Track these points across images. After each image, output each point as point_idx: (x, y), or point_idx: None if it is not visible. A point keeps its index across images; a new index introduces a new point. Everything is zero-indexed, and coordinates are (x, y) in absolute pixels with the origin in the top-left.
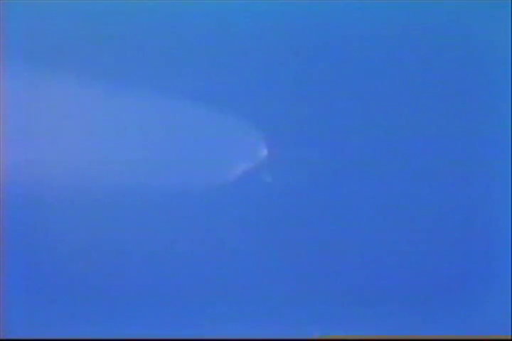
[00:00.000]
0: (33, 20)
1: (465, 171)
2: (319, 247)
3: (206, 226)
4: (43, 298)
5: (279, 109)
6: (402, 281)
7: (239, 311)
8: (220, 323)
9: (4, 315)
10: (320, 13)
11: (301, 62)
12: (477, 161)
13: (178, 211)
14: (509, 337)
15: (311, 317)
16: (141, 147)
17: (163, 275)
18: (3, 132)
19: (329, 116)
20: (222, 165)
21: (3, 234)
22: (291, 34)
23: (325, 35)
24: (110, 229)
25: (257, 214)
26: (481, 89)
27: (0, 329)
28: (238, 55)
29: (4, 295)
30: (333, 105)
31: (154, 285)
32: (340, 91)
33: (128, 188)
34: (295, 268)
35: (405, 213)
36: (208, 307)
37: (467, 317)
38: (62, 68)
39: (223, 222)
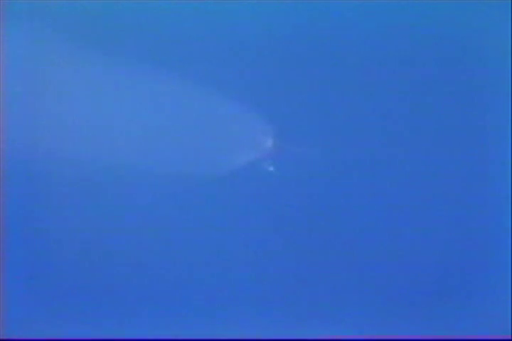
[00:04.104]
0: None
1: (465, 171)
2: (320, 244)
3: (208, 216)
4: (43, 298)
5: (286, 102)
6: (402, 282)
7: (238, 309)
8: (219, 322)
9: (4, 315)
10: (325, 14)
11: (308, 58)
12: (477, 161)
13: (181, 200)
14: (509, 337)
15: (310, 317)
16: (146, 136)
17: (164, 271)
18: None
19: (335, 110)
20: (228, 156)
21: (3, 233)
22: (299, 30)
23: (330, 33)
24: (113, 219)
25: (259, 205)
26: (481, 88)
27: (0, 329)
28: (247, 49)
29: (4, 295)
30: (338, 100)
31: (154, 282)
32: (345, 88)
33: (132, 176)
34: (296, 265)
35: (406, 214)
36: (207, 305)
37: (467, 317)
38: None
39: (225, 213)
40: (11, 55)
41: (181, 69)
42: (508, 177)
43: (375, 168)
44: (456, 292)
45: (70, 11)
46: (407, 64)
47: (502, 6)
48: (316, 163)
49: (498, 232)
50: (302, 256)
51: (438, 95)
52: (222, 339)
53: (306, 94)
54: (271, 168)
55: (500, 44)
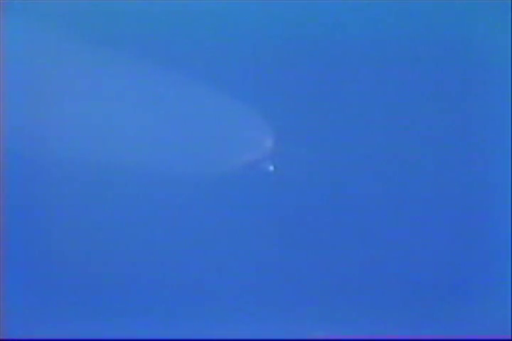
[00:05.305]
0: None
1: (466, 171)
2: (320, 244)
3: (208, 216)
4: (43, 298)
5: (286, 103)
6: (403, 282)
7: (238, 309)
8: (217, 322)
9: (4, 315)
10: (326, 15)
11: (309, 58)
12: (477, 161)
13: (180, 200)
14: (509, 337)
15: (311, 317)
16: (145, 136)
17: (164, 271)
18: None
19: (335, 111)
20: (227, 156)
21: (3, 233)
22: (300, 30)
23: (331, 34)
24: (111, 220)
25: (259, 205)
26: (481, 89)
27: (0, 330)
28: (248, 50)
29: (4, 295)
30: (338, 101)
31: (155, 283)
32: (345, 89)
33: (131, 176)
34: (296, 265)
35: (406, 214)
36: (207, 304)
37: (467, 317)
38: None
39: (224, 213)
40: (12, 54)
41: (181, 69)
42: (508, 177)
43: (374, 169)
44: (456, 292)
45: (70, 9)
46: (407, 64)
47: (502, 6)
48: (315, 164)
49: (498, 232)
50: (302, 255)
51: (438, 96)
52: (222, 339)
53: (307, 94)
54: (271, 168)
55: (500, 44)
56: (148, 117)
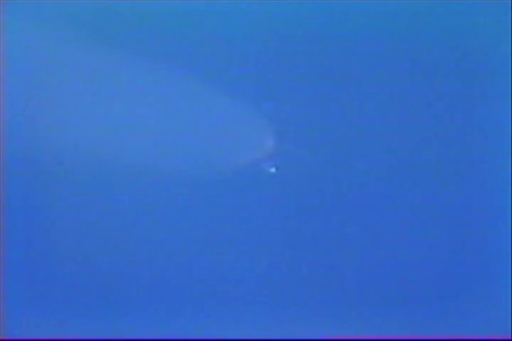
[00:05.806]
0: None
1: (466, 171)
2: (321, 244)
3: (209, 217)
4: (43, 297)
5: (288, 104)
6: (403, 282)
7: (239, 310)
8: (218, 323)
9: (4, 315)
10: (327, 16)
11: (310, 59)
12: (477, 162)
13: (182, 200)
14: (509, 337)
15: (312, 317)
16: (147, 136)
17: (166, 271)
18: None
19: (336, 112)
20: (229, 157)
21: (3, 233)
22: (302, 31)
23: (333, 35)
24: (113, 220)
25: (261, 206)
26: (481, 88)
27: (0, 330)
28: (249, 50)
29: (4, 295)
30: (339, 102)
31: (156, 283)
32: (346, 89)
33: (132, 176)
34: (297, 265)
35: (406, 214)
36: (207, 305)
37: (467, 317)
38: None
39: (226, 213)
40: (12, 54)
41: (183, 70)
42: (508, 177)
43: (376, 169)
44: (457, 292)
45: (72, 7)
46: (407, 65)
47: (502, 6)
48: (317, 164)
49: (499, 232)
50: (303, 256)
51: (439, 96)
52: (222, 340)
53: (309, 95)
54: (272, 169)
55: (500, 44)
56: (151, 118)
